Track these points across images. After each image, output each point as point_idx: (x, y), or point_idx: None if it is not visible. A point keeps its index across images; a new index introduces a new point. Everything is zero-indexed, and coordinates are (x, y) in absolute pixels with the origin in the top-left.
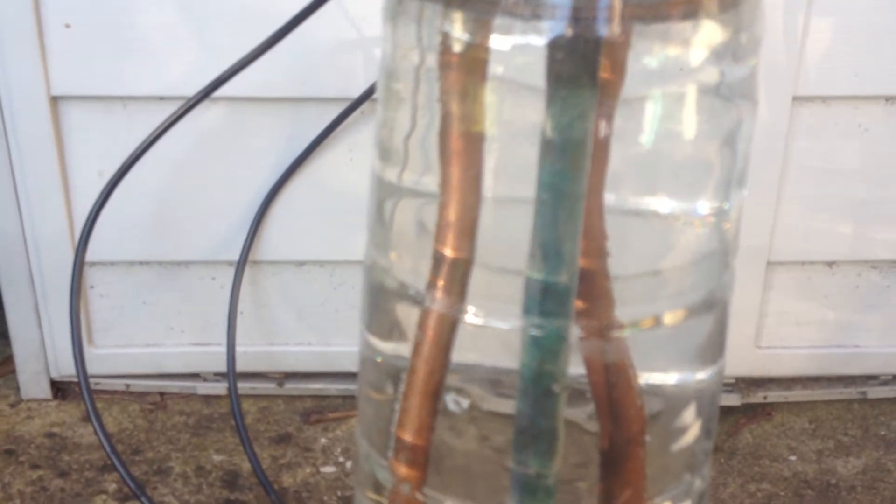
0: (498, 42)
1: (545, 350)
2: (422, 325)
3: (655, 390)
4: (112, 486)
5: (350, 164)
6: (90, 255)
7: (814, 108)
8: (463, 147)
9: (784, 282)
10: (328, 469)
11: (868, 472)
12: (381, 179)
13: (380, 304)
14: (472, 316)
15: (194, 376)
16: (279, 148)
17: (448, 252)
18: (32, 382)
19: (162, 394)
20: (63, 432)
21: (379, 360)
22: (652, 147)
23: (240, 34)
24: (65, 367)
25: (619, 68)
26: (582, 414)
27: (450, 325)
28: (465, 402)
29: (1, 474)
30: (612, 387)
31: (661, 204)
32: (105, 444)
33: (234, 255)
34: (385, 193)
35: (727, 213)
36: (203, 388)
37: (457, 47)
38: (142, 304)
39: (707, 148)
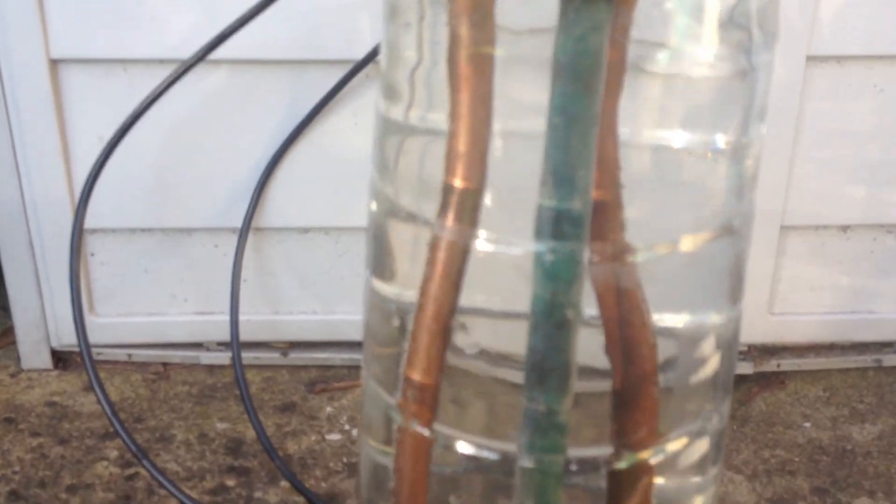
0: None
1: (558, 278)
2: (431, 258)
3: (671, 332)
4: (113, 454)
5: (355, 129)
6: (91, 222)
7: (828, 69)
8: (472, 71)
9: (797, 247)
10: (334, 437)
11: (884, 438)
12: (387, 119)
13: (386, 245)
14: (483, 242)
15: (197, 346)
16: (282, 112)
17: (458, 183)
18: (33, 352)
19: (165, 364)
20: (64, 401)
21: (385, 304)
22: (667, 71)
23: None
24: (66, 337)
25: None
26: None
27: (460, 255)
28: (474, 342)
29: (0, 441)
30: (625, 323)
31: (678, 136)
32: (106, 406)
33: (237, 222)
34: (390, 132)
35: (746, 147)
36: (206, 357)
37: None
38: (143, 272)
39: (725, 75)
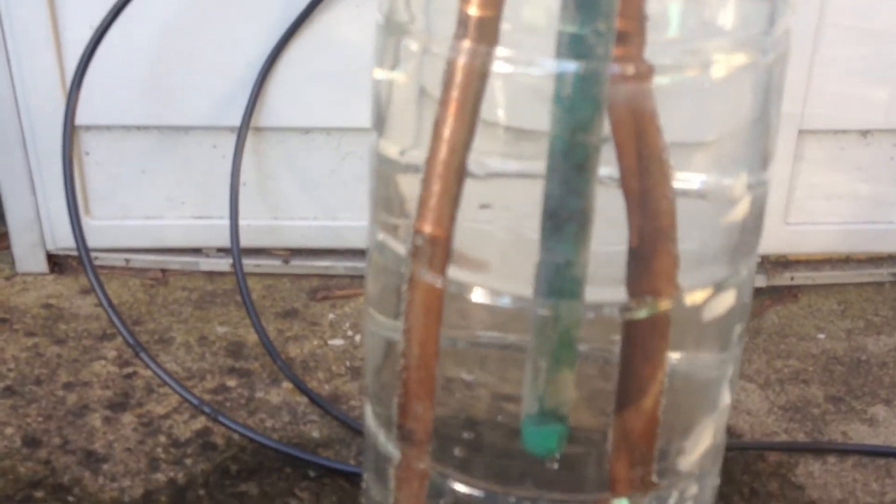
0: None
1: (577, 108)
2: (446, 86)
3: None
4: (111, 353)
5: (358, 21)
6: (85, 119)
7: None
8: None
9: (815, 153)
10: (336, 342)
11: None
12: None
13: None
14: (501, 63)
15: (196, 251)
16: (282, 2)
17: (473, 11)
18: (28, 255)
19: (163, 270)
20: (60, 304)
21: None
22: None
23: None
24: (61, 240)
25: None
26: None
27: (478, 78)
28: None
29: None
30: (644, 172)
31: None
32: (102, 298)
33: (236, 121)
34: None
35: None
36: (206, 263)
37: None
38: (140, 174)
39: None
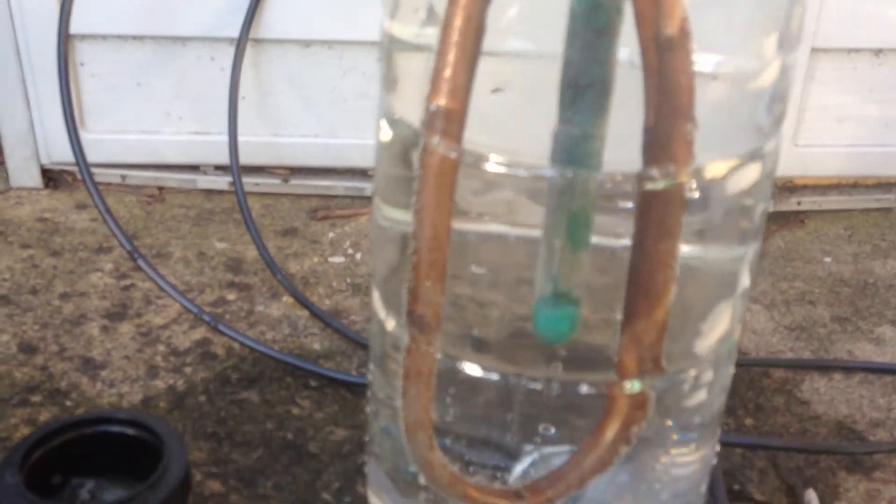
0: None
1: None
2: None
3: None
4: (108, 266)
5: None
6: (79, 27)
7: None
8: None
9: (827, 72)
10: (337, 259)
11: None
12: None
13: None
14: None
15: (193, 169)
16: None
17: None
18: (22, 169)
19: (160, 187)
20: (55, 217)
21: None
22: None
23: None
24: (56, 154)
25: None
26: None
27: None
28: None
29: None
30: (665, 46)
31: None
32: (100, 204)
33: (235, 32)
34: None
35: None
36: (203, 181)
37: None
38: (136, 86)
39: None
